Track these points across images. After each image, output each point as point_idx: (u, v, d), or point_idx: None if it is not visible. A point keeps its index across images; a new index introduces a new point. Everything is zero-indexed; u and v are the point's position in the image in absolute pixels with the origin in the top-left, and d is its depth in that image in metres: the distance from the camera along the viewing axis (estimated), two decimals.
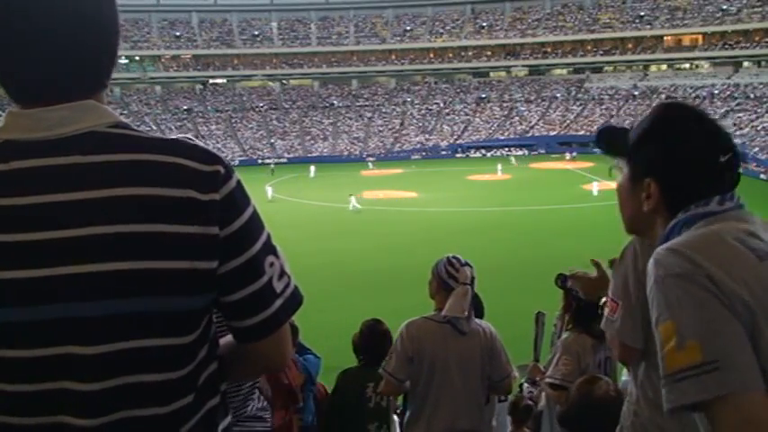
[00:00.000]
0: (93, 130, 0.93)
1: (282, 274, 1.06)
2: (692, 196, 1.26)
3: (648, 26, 62.04)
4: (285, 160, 56.81)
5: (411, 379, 2.84)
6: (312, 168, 45.73)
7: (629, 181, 1.39)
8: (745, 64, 58.84)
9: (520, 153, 55.63)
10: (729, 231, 1.16)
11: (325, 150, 59.53)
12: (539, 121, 61.18)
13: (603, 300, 2.06)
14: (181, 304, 0.95)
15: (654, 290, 1.14)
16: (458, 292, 2.78)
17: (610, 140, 1.50)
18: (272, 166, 48.95)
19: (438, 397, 2.79)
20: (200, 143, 0.99)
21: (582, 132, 57.21)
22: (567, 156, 49.54)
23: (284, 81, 69.00)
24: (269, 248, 1.04)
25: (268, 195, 33.49)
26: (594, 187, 31.36)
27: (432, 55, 67.99)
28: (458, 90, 67.30)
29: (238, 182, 1.00)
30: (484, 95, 65.81)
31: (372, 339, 3.66)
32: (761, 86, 54.33)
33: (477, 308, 3.73)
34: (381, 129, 63.19)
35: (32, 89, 0.94)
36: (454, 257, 2.91)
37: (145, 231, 0.90)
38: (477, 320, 2.92)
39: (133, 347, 0.92)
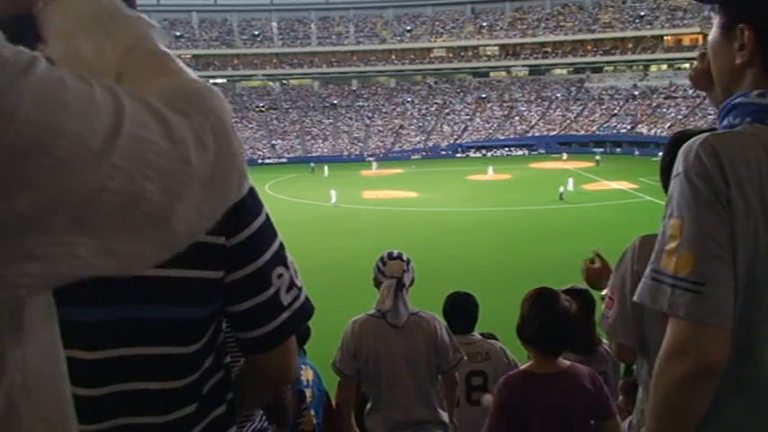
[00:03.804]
0: None
1: (291, 286, 1.03)
2: None
3: (648, 26, 62.03)
4: (285, 160, 56.88)
5: (362, 373, 2.91)
6: (326, 168, 46.15)
7: (720, 31, 1.19)
8: None
9: (520, 153, 55.67)
10: None
11: (325, 150, 59.55)
12: (539, 121, 61.17)
13: (604, 292, 2.07)
14: (184, 313, 0.93)
15: (676, 181, 1.07)
16: (384, 286, 2.84)
17: None
18: (312, 164, 49.51)
19: (390, 389, 2.86)
20: None
21: (582, 132, 57.25)
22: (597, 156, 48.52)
23: (284, 81, 69.01)
24: (278, 259, 1.01)
25: (333, 200, 31.70)
26: (570, 184, 31.07)
27: (432, 55, 67.99)
28: (458, 90, 67.29)
29: (250, 189, 0.95)
30: (484, 95, 65.81)
31: None
32: None
33: (470, 309, 3.73)
34: (381, 129, 63.20)
35: None
36: (387, 253, 2.95)
37: None
38: (422, 312, 2.95)
39: (135, 354, 0.91)
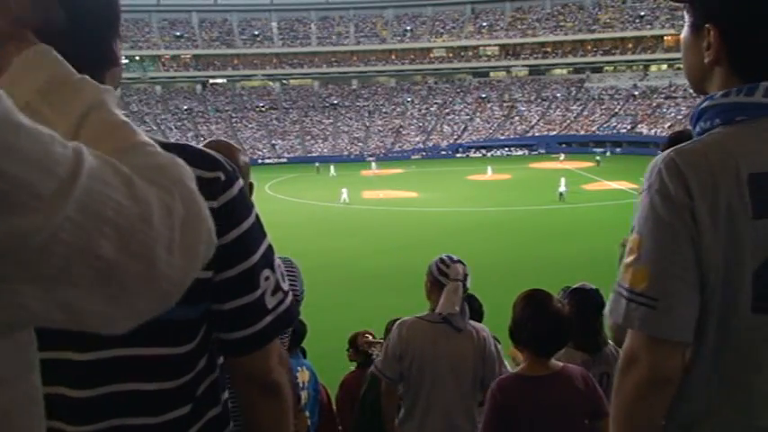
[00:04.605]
0: None
1: (277, 289, 1.02)
2: (758, 48, 1.09)
3: (648, 26, 62.05)
4: (285, 160, 56.90)
5: (403, 377, 2.85)
6: (332, 168, 46.37)
7: (690, 30, 1.19)
8: None
9: (520, 153, 55.68)
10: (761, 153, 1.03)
11: (325, 150, 59.57)
12: (539, 121, 61.19)
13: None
14: (175, 313, 0.87)
15: (641, 197, 1.09)
16: (448, 289, 2.78)
17: None
18: (317, 164, 49.82)
19: (430, 396, 2.78)
20: (207, 149, 0.97)
21: (582, 132, 57.25)
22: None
23: (284, 81, 69.02)
24: (266, 262, 1.01)
25: (344, 198, 32.18)
26: (563, 184, 31.15)
27: (432, 55, 67.99)
28: (458, 90, 67.30)
29: (240, 190, 0.97)
30: (484, 95, 65.82)
31: None
32: None
33: (475, 309, 3.74)
34: (381, 129, 63.21)
35: None
36: (447, 256, 2.91)
37: None
38: (472, 322, 2.90)
39: (128, 355, 0.91)
